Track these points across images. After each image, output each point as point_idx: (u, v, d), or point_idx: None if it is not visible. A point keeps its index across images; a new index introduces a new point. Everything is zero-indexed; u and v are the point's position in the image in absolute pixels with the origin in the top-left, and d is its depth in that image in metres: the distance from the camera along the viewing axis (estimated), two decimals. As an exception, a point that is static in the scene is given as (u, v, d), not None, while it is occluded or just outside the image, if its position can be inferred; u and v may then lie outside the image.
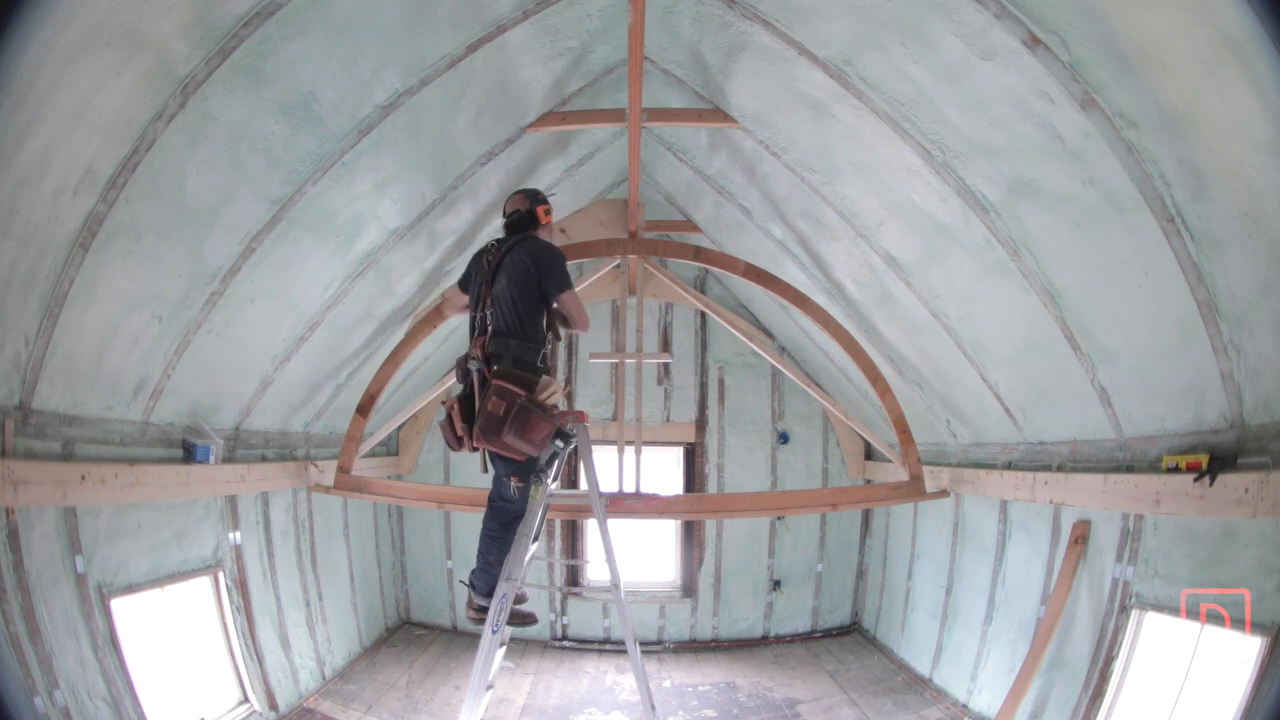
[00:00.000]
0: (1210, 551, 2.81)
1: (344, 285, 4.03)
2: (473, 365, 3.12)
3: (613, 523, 3.87)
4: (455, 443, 3.21)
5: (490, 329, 3.15)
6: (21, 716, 2.49)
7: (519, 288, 3.18)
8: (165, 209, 2.73)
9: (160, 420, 3.48)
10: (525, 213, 3.38)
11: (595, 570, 6.45)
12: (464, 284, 3.45)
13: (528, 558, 3.75)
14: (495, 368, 3.06)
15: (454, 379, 3.31)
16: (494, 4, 2.98)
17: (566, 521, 6.54)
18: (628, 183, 4.34)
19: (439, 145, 3.66)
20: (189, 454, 3.66)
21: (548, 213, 3.44)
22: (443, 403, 3.35)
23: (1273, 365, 2.39)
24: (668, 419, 6.63)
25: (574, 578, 6.67)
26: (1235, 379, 2.54)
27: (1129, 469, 3.20)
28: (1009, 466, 4.19)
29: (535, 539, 3.82)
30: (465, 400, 3.16)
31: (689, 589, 6.57)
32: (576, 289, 5.06)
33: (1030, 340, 3.45)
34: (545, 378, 3.15)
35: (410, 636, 6.34)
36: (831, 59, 3.04)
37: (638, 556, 6.47)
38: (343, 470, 4.37)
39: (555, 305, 3.30)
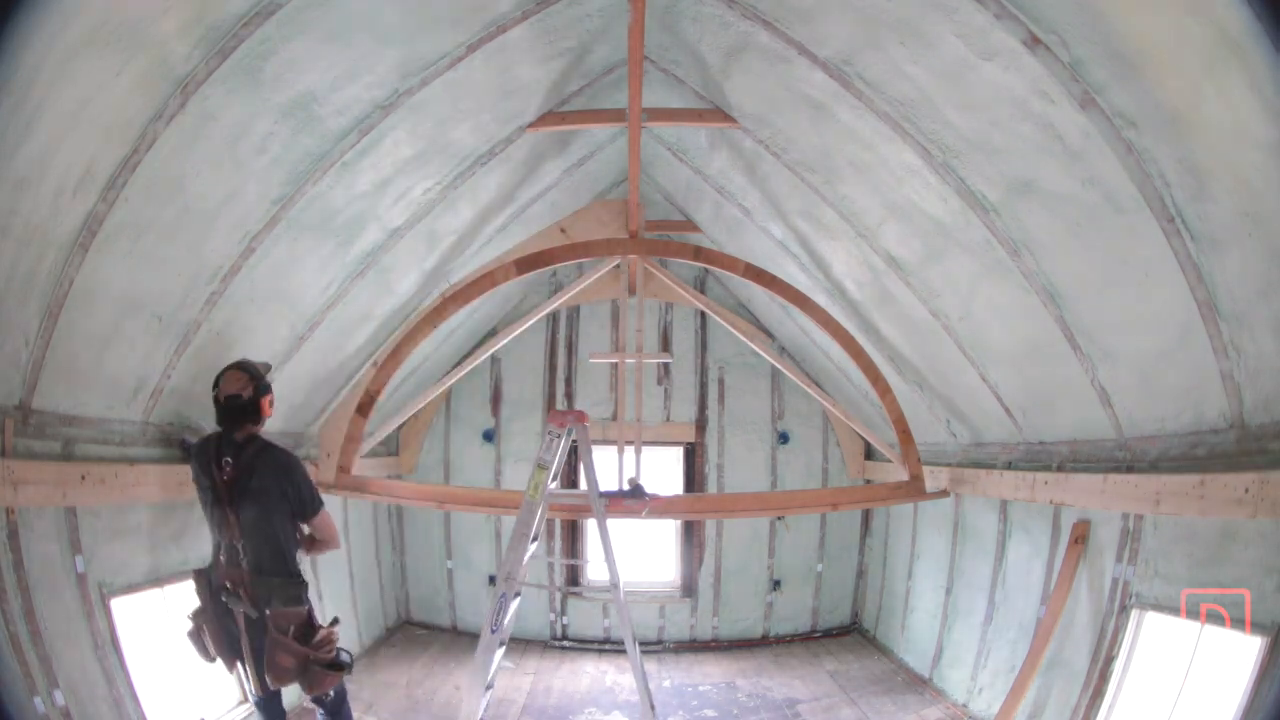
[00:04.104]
0: (1210, 551, 2.81)
1: (344, 285, 4.03)
2: (236, 606, 2.94)
3: (612, 522, 3.88)
4: (209, 658, 3.06)
5: (247, 565, 2.94)
6: (21, 716, 2.49)
7: (277, 517, 3.01)
8: (165, 209, 2.73)
9: (160, 420, 3.47)
10: (248, 402, 3.05)
11: (595, 570, 6.44)
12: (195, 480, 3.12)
13: (526, 558, 3.76)
14: (272, 612, 2.94)
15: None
16: (494, 4, 2.98)
17: (566, 521, 6.54)
18: (628, 183, 4.34)
19: (439, 145, 3.66)
20: (189, 454, 3.65)
21: (271, 404, 3.20)
22: (189, 616, 3.07)
23: (1273, 365, 2.39)
24: (668, 419, 6.63)
25: (574, 578, 6.67)
26: (1235, 379, 2.54)
27: (1129, 469, 3.20)
28: (1009, 466, 4.19)
29: (535, 539, 3.83)
30: (220, 625, 3.00)
31: (689, 589, 6.57)
32: (577, 289, 5.08)
33: (1030, 340, 3.45)
34: (324, 630, 3.09)
35: (410, 636, 6.35)
36: (831, 59, 3.04)
37: (638, 556, 6.47)
38: (343, 470, 4.36)
39: (307, 528, 3.18)
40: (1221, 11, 1.81)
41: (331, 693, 3.23)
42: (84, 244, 2.53)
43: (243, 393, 3.06)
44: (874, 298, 4.45)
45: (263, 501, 2.99)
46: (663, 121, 4.12)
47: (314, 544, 3.34)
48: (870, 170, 3.51)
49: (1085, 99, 2.34)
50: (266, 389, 3.18)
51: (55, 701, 2.67)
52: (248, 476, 2.99)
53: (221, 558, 2.99)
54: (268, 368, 3.33)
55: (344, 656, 3.15)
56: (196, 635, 3.05)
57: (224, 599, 2.98)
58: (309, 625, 3.07)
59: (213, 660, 3.08)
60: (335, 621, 3.21)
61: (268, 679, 2.97)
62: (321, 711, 3.35)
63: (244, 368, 3.15)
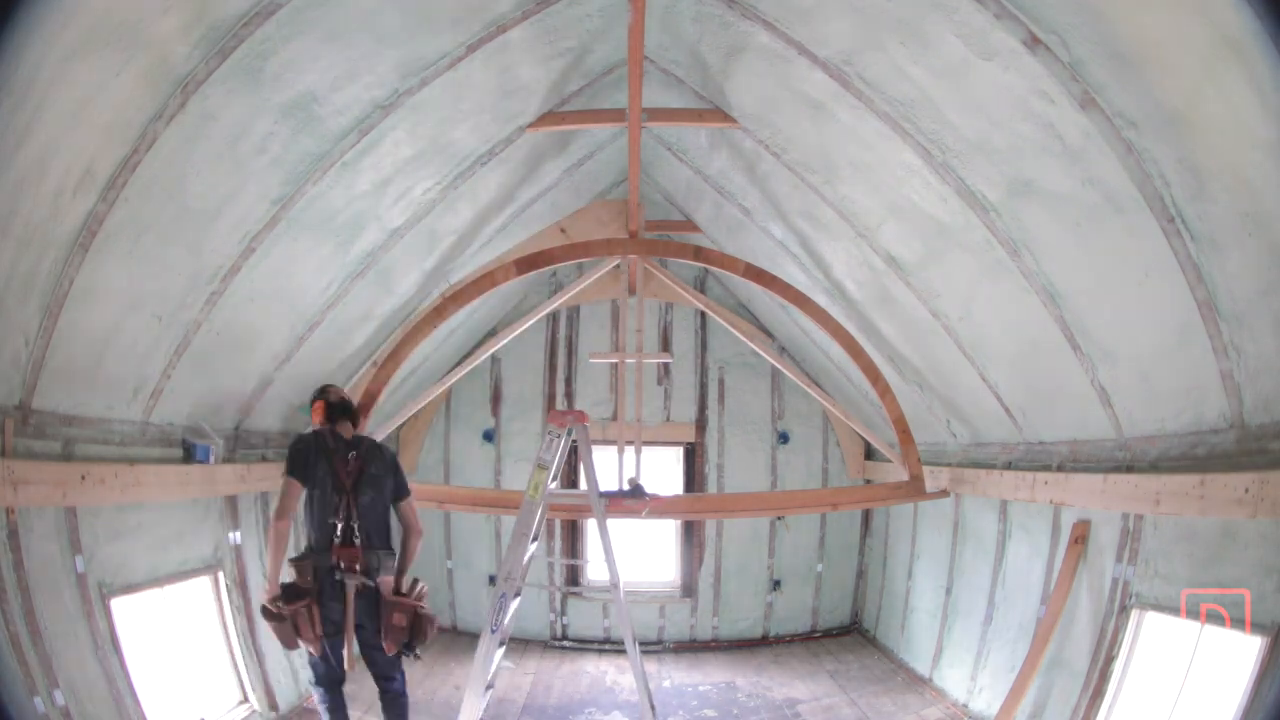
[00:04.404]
0: (1210, 551, 2.81)
1: (344, 285, 4.03)
2: (350, 580, 3.24)
3: (612, 523, 3.88)
4: (294, 641, 3.27)
5: (359, 541, 3.28)
6: (21, 716, 2.49)
7: (383, 502, 3.46)
8: (165, 209, 2.73)
9: (160, 420, 3.47)
10: (355, 408, 3.59)
11: (595, 570, 6.44)
12: (299, 475, 3.33)
13: (526, 557, 3.76)
14: (378, 581, 3.31)
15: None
16: (494, 4, 2.98)
17: (566, 521, 6.53)
18: (628, 183, 4.34)
19: (439, 145, 3.66)
20: (189, 454, 3.66)
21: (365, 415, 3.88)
22: (280, 607, 3.21)
23: (1273, 365, 2.39)
24: (668, 419, 6.63)
25: (574, 578, 6.67)
26: (1235, 379, 2.54)
27: (1129, 469, 3.20)
28: (1009, 466, 4.19)
29: (535, 539, 3.83)
30: (325, 605, 3.24)
31: (689, 589, 6.57)
32: (577, 289, 5.10)
33: (1030, 340, 3.45)
34: (420, 586, 3.53)
35: (410, 636, 6.34)
36: (831, 59, 3.04)
37: (638, 556, 6.47)
38: (343, 470, 4.36)
39: (397, 508, 3.56)
40: (1221, 11, 1.81)
41: (416, 655, 3.52)
42: (84, 244, 2.53)
43: (348, 398, 3.56)
44: (874, 298, 4.45)
45: (376, 487, 3.43)
46: (663, 121, 4.11)
47: (405, 537, 3.60)
48: (870, 170, 3.51)
49: (1085, 99, 2.34)
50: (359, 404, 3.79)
51: (55, 701, 2.67)
52: (367, 466, 3.42)
53: (336, 539, 3.28)
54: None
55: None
56: (290, 626, 3.23)
57: (337, 577, 3.25)
58: (398, 588, 3.44)
59: (295, 647, 3.34)
60: (417, 581, 3.59)
61: (385, 642, 3.34)
62: (390, 688, 3.56)
63: (339, 389, 3.60)
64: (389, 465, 3.54)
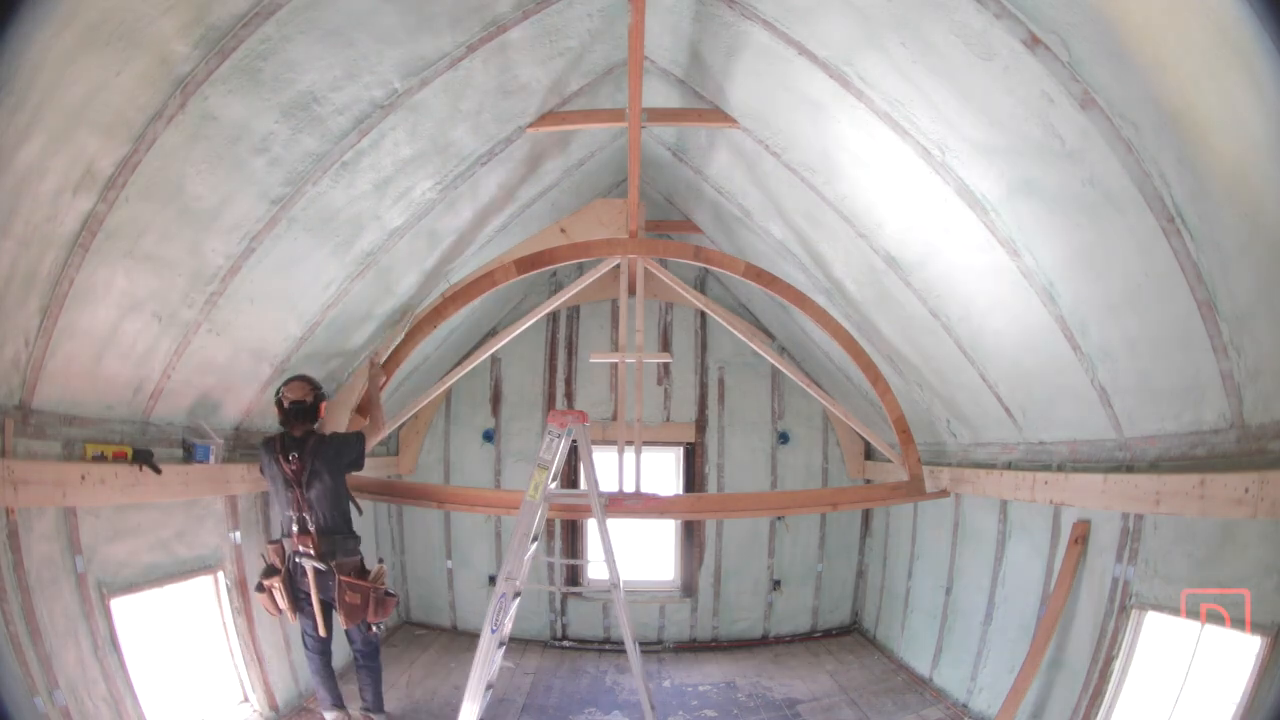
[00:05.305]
0: (1210, 551, 2.80)
1: (344, 285, 4.03)
2: (306, 562, 3.71)
3: (612, 523, 3.88)
4: (277, 611, 3.79)
5: (314, 529, 3.73)
6: (21, 716, 2.49)
7: (336, 489, 3.81)
8: (165, 209, 2.73)
9: (160, 420, 3.48)
10: (310, 405, 3.80)
11: (595, 570, 6.44)
12: (263, 473, 3.92)
13: (527, 558, 3.77)
14: (336, 563, 3.72)
15: (281, 553, 3.79)
16: (494, 4, 2.98)
17: (566, 521, 6.54)
18: (628, 183, 4.34)
19: (439, 145, 3.66)
20: (189, 454, 3.66)
21: (325, 409, 3.96)
22: (262, 581, 3.76)
23: (1273, 365, 2.39)
24: (667, 419, 6.63)
25: (574, 577, 6.67)
26: (1235, 379, 2.54)
27: (1129, 469, 3.20)
28: (1009, 466, 4.19)
29: (535, 539, 3.84)
30: (291, 582, 3.77)
31: (689, 589, 6.57)
32: (577, 289, 5.12)
33: (1030, 340, 3.45)
34: (378, 568, 3.92)
35: (410, 636, 6.34)
36: (831, 59, 3.04)
37: (638, 556, 6.47)
38: (343, 470, 4.36)
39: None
40: (1221, 11, 1.81)
41: (377, 629, 3.94)
42: (84, 244, 2.54)
43: (305, 399, 3.79)
44: (874, 297, 4.45)
45: (325, 480, 3.77)
46: (663, 121, 4.12)
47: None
48: (870, 170, 3.51)
49: (1085, 99, 2.34)
50: (324, 396, 3.92)
51: (55, 701, 2.68)
52: (311, 463, 3.74)
53: (294, 528, 3.74)
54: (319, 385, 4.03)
55: (392, 590, 3.98)
56: (269, 598, 3.75)
57: (298, 559, 3.73)
58: (362, 569, 3.84)
59: (279, 613, 3.81)
60: (381, 561, 4.05)
61: (341, 617, 3.73)
62: (361, 656, 4.01)
63: (306, 379, 3.88)
64: (335, 456, 3.82)
